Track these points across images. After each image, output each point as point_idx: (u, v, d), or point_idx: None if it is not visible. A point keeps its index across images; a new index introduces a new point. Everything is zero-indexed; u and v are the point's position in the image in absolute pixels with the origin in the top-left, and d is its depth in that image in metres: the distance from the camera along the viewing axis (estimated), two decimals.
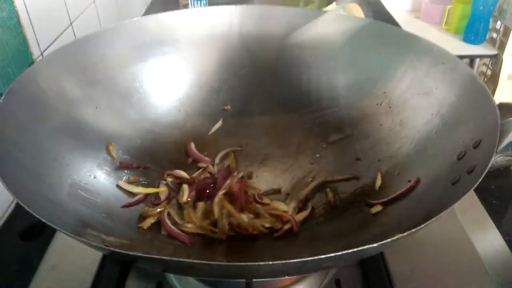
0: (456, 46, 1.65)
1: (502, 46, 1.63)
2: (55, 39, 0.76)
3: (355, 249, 0.31)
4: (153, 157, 0.60)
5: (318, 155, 0.62)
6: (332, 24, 0.67)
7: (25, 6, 0.64)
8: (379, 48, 0.63)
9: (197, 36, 0.68)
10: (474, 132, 0.46)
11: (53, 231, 0.56)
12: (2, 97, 0.46)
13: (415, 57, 0.59)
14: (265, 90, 0.68)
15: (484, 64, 1.78)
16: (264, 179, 0.60)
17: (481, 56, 1.69)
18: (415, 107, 0.57)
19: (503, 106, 0.44)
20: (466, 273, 0.52)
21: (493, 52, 1.65)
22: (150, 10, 1.35)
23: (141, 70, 0.65)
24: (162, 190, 0.55)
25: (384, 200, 0.50)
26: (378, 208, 0.49)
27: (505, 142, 0.40)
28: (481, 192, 0.62)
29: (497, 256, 0.54)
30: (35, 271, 0.51)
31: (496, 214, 0.60)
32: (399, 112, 0.59)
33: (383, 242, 0.31)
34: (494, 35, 1.68)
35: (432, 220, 0.33)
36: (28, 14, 0.65)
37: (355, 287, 0.51)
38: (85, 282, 0.50)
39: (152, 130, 0.63)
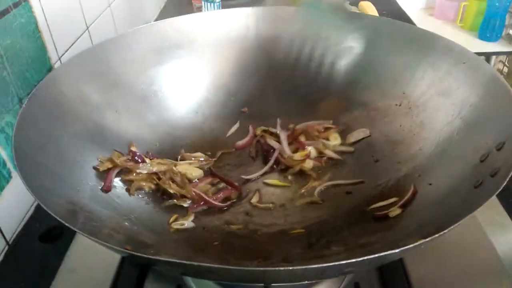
0: (472, 44, 1.62)
1: None
2: (72, 44, 0.77)
3: (376, 255, 0.30)
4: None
5: (336, 157, 0.61)
6: (351, 23, 0.67)
7: (43, 11, 0.65)
8: (398, 47, 0.62)
9: (214, 39, 0.68)
10: (497, 134, 0.44)
11: (73, 233, 0.57)
12: (25, 102, 0.47)
13: (435, 56, 0.58)
14: (282, 92, 0.68)
15: (501, 61, 1.75)
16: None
17: (497, 53, 1.66)
18: (435, 107, 0.56)
19: None
20: (486, 275, 0.51)
21: (510, 49, 1.62)
22: (164, 13, 1.36)
23: (159, 73, 0.65)
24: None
25: (382, 212, 0.49)
26: (397, 212, 0.48)
27: None
28: (499, 192, 0.61)
29: None
30: (55, 274, 0.52)
31: None
32: (419, 113, 0.58)
33: (404, 248, 0.31)
34: (511, 31, 1.65)
35: (455, 225, 0.33)
36: (46, 20, 0.66)
37: None
38: (104, 285, 0.50)
39: (170, 133, 0.63)
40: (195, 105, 0.67)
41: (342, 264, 0.31)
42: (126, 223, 0.46)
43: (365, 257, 0.31)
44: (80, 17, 0.80)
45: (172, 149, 0.61)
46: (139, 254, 0.34)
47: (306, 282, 0.44)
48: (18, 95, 0.59)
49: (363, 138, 0.61)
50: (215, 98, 0.68)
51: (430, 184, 0.49)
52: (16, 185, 0.59)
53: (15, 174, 0.59)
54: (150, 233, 0.47)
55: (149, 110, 0.63)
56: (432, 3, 1.76)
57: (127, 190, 0.53)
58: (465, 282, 0.50)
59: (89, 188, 0.48)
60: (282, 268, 0.30)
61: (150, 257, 0.32)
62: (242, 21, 0.70)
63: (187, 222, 0.51)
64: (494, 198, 0.59)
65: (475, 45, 1.61)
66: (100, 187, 0.50)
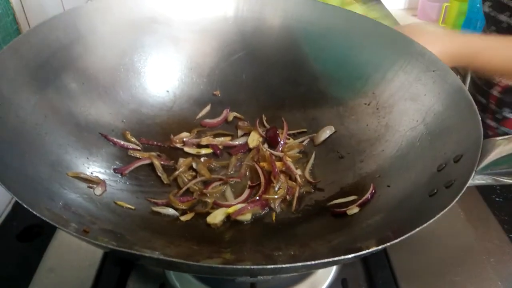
0: None
1: None
2: None
3: (313, 262, 0.32)
4: (137, 138, 0.59)
5: (304, 150, 0.62)
6: (330, 17, 0.67)
7: (21, 2, 0.62)
8: (373, 47, 0.63)
9: (192, 17, 0.66)
10: (456, 146, 0.46)
11: (52, 232, 0.56)
12: None
13: (407, 60, 0.59)
14: (255, 78, 0.68)
15: None
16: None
17: None
18: (401, 111, 0.57)
19: None
20: (470, 270, 0.54)
21: None
22: None
23: (132, 46, 0.64)
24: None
25: (341, 210, 0.51)
26: (354, 210, 0.50)
27: (486, 161, 0.41)
28: (484, 190, 0.65)
29: (500, 253, 0.56)
30: (33, 273, 0.51)
31: (500, 211, 0.62)
32: (385, 114, 0.59)
33: (338, 258, 0.32)
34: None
35: (402, 237, 0.34)
36: (23, 11, 0.63)
37: (360, 286, 0.53)
38: (84, 284, 0.50)
39: (138, 110, 0.62)
40: (167, 83, 0.66)
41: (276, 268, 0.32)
42: (87, 203, 0.46)
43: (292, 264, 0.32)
44: (59, 7, 0.76)
45: (139, 128, 0.60)
46: (125, 250, 0.32)
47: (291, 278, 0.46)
48: None
49: (330, 134, 0.63)
50: (188, 78, 0.67)
51: (389, 186, 0.51)
52: None
53: None
54: (112, 214, 0.47)
55: (118, 84, 0.61)
56: (413, 3, 1.78)
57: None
58: (448, 275, 0.53)
59: (49, 163, 0.47)
60: (239, 267, 0.31)
61: (136, 253, 0.32)
62: (222, 1, 0.68)
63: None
64: (479, 196, 0.63)
65: None
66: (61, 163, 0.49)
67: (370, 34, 0.63)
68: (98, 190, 0.49)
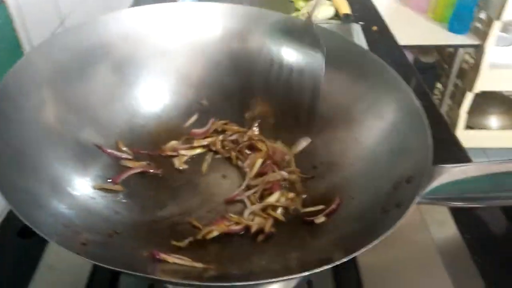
0: (441, 36, 1.70)
1: (485, 36, 1.69)
2: None
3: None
4: (129, 148, 0.65)
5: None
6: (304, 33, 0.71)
7: (18, 10, 0.65)
8: (347, 65, 0.68)
9: (181, 35, 0.71)
10: (410, 167, 0.52)
11: None
12: None
13: (375, 79, 0.64)
14: (241, 89, 0.73)
15: (467, 53, 1.85)
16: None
17: (465, 46, 1.75)
18: (369, 127, 0.63)
19: None
20: (427, 265, 0.59)
21: (477, 42, 1.71)
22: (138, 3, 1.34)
23: (125, 61, 0.68)
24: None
25: (308, 218, 0.57)
26: (321, 219, 0.56)
27: (431, 187, 0.47)
28: None
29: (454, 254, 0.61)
30: (34, 270, 0.55)
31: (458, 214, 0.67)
32: (355, 128, 0.65)
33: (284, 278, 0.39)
34: (478, 25, 1.73)
35: (350, 256, 0.41)
36: (21, 18, 0.66)
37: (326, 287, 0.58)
38: (81, 281, 0.54)
39: (130, 120, 0.67)
40: (157, 94, 0.71)
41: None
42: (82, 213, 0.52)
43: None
44: (55, 12, 0.80)
45: (131, 137, 0.66)
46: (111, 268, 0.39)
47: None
48: None
49: (307, 144, 0.69)
50: (176, 88, 0.72)
51: (352, 198, 0.57)
52: None
53: None
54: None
55: (113, 97, 0.67)
56: None
57: None
58: (409, 270, 0.59)
59: (51, 178, 0.53)
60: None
61: (118, 269, 0.38)
62: (209, 15, 0.73)
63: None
64: None
65: (444, 37, 1.69)
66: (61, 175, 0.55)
67: (343, 51, 0.68)
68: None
